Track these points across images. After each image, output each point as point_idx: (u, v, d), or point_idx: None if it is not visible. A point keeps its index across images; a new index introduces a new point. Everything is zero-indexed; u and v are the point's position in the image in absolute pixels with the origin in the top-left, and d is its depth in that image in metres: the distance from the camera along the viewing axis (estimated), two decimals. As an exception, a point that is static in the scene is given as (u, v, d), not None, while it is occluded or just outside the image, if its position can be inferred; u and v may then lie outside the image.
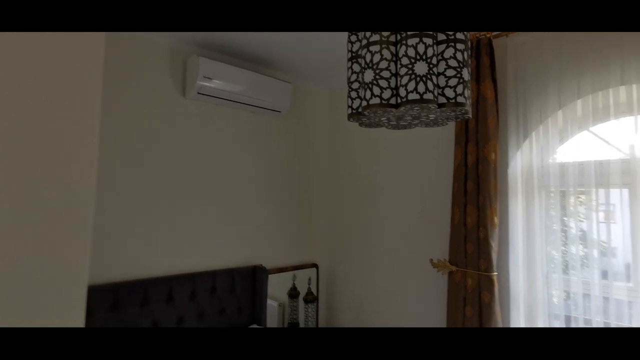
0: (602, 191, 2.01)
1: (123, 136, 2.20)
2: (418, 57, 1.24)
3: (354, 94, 1.43)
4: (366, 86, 1.31)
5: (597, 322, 1.97)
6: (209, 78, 2.36)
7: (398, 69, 1.28)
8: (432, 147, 2.60)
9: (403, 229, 2.74)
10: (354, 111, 1.42)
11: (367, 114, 1.37)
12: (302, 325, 2.91)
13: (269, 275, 2.65)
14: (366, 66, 1.32)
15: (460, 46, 1.29)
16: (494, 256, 2.08)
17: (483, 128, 2.14)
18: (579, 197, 2.13)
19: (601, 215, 2.05)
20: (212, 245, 2.54)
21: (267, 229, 2.84)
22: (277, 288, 2.78)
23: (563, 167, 2.08)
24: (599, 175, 1.96)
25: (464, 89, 1.28)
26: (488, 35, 2.18)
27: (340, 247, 3.18)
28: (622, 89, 1.89)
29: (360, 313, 2.97)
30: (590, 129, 2.07)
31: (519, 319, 2.15)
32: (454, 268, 2.23)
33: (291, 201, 3.03)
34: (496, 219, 2.11)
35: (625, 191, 1.93)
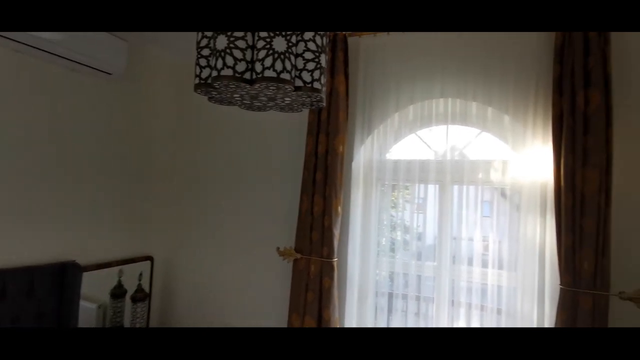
0: (421, 186, 2.37)
1: None
2: (277, 32, 1.14)
3: (203, 62, 1.23)
4: (218, 54, 1.13)
5: (411, 295, 2.32)
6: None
7: (255, 41, 1.15)
8: (285, 134, 2.58)
9: (251, 217, 2.65)
10: (202, 81, 1.22)
11: (217, 86, 1.19)
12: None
13: (85, 273, 2.17)
14: (220, 31, 1.14)
15: (320, 31, 1.24)
16: (336, 243, 2.20)
17: (334, 120, 2.23)
18: (406, 190, 2.46)
19: (419, 207, 2.42)
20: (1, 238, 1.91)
21: (86, 217, 2.31)
22: (96, 287, 2.31)
23: (395, 163, 2.35)
24: (421, 172, 2.28)
25: (320, 75, 1.24)
26: (343, 32, 2.27)
27: (181, 237, 2.88)
28: (441, 101, 2.23)
29: (203, 309, 2.76)
30: (417, 132, 2.41)
31: (353, 299, 2.34)
32: (298, 255, 2.27)
33: (122, 184, 2.55)
34: (340, 208, 2.23)
35: (437, 187, 2.30)
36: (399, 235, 2.43)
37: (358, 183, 2.35)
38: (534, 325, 1.90)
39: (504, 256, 2.09)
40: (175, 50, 2.80)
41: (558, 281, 1.77)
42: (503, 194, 2.18)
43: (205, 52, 1.22)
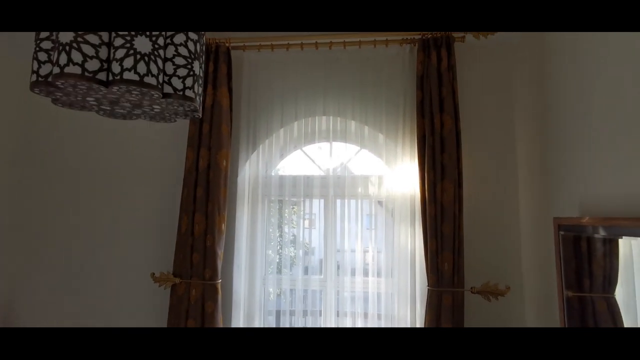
0: (307, 201, 2.41)
1: None
2: (140, 32, 1.02)
3: (43, 56, 1.02)
4: (62, 48, 0.95)
5: (299, 310, 2.30)
6: None
7: (112, 39, 1.01)
8: (162, 148, 2.35)
9: (119, 241, 2.32)
10: (40, 79, 1.01)
11: (61, 86, 1.00)
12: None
13: None
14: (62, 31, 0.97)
15: (192, 36, 1.16)
16: (219, 263, 2.07)
17: (217, 134, 2.12)
18: (293, 207, 2.47)
19: (307, 222, 2.46)
20: None
21: None
22: None
23: (282, 179, 2.35)
24: (306, 187, 2.32)
25: (194, 83, 1.15)
26: (227, 44, 2.20)
27: (23, 271, 2.35)
28: (324, 119, 2.33)
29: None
30: (302, 148, 2.47)
31: (238, 321, 2.21)
32: (177, 280, 2.05)
33: None
34: (224, 226, 2.11)
35: (322, 201, 2.38)
36: (286, 250, 2.41)
37: (243, 199, 2.27)
38: (407, 323, 2.07)
39: (382, 264, 2.24)
40: (9, 40, 2.32)
41: (426, 283, 1.97)
42: (380, 206, 2.36)
43: (47, 44, 1.02)
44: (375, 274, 2.23)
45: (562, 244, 1.55)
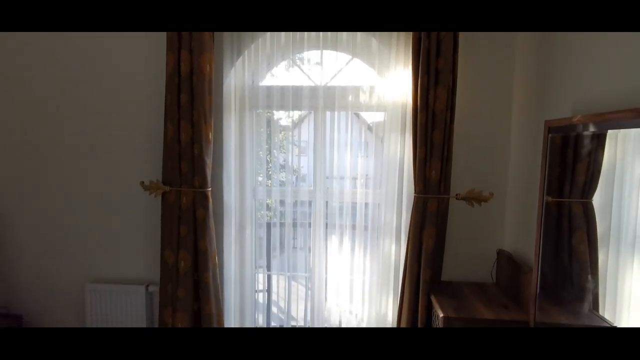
0: (296, 112, 2.35)
1: None
2: None
3: None
4: None
5: (289, 223, 2.37)
6: None
7: None
8: (142, 54, 2.20)
9: (106, 151, 2.27)
10: None
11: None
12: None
13: None
14: None
15: None
16: (208, 172, 2.06)
17: (197, 36, 1.96)
18: (280, 117, 2.42)
19: (291, 134, 2.42)
20: None
21: None
22: None
23: (269, 90, 2.25)
24: (295, 99, 2.24)
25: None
26: None
27: (17, 187, 2.33)
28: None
29: (64, 260, 2.35)
30: (291, 57, 2.33)
31: (230, 230, 2.28)
32: (167, 188, 2.06)
33: None
34: (211, 135, 2.06)
35: (312, 113, 2.31)
36: (275, 162, 2.41)
37: (230, 108, 2.19)
38: (393, 230, 2.16)
39: (370, 175, 2.27)
40: None
41: (413, 190, 2.01)
42: (371, 117, 2.32)
43: None
44: (364, 185, 2.26)
45: (549, 146, 1.56)
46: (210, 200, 2.08)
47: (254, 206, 2.36)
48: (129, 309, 2.26)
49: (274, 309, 2.66)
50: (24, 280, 2.39)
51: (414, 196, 1.99)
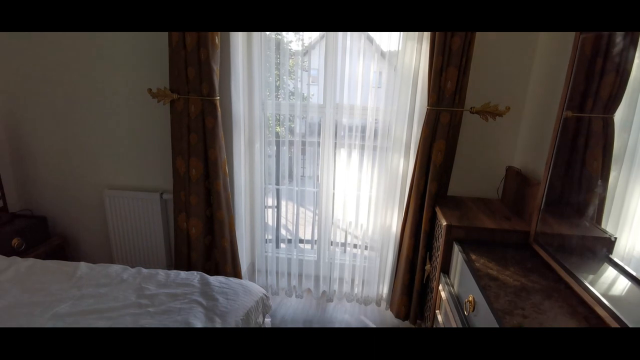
0: (307, 57, 2.20)
1: None
2: None
3: None
4: None
5: (297, 141, 2.36)
6: None
7: None
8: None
9: (110, 62, 2.21)
10: None
11: None
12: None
13: None
14: None
15: None
16: (216, 80, 2.01)
17: None
18: (290, 42, 2.27)
19: (307, 76, 2.30)
20: None
21: None
22: None
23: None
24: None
25: None
26: None
27: (25, 98, 2.31)
28: None
29: (74, 173, 2.43)
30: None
31: (240, 142, 2.30)
32: (175, 96, 2.03)
33: None
34: (217, 40, 1.97)
35: (323, 44, 2.15)
36: (285, 88, 2.33)
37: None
38: (402, 145, 2.15)
39: (383, 86, 2.19)
40: None
41: (426, 103, 1.95)
42: (385, 42, 2.16)
43: None
44: (375, 100, 2.19)
45: (578, 55, 1.45)
46: (219, 109, 2.06)
47: (263, 121, 2.33)
48: (146, 214, 2.38)
49: (283, 232, 2.77)
50: (46, 185, 2.51)
51: (427, 109, 1.93)
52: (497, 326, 1.10)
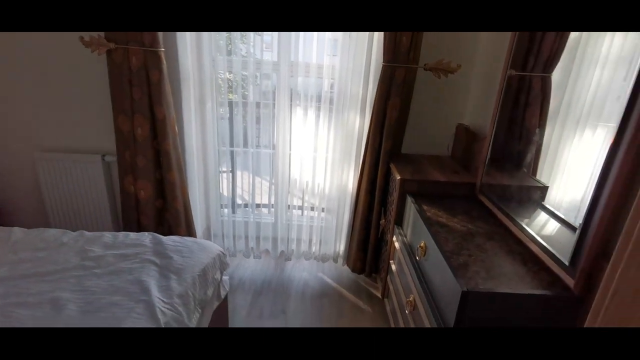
0: None
1: None
2: None
3: None
4: None
5: (251, 102, 2.27)
6: None
7: None
8: None
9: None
10: None
11: None
12: None
13: None
14: None
15: None
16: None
17: None
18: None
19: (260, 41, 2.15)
20: None
21: None
22: None
23: None
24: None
25: None
26: None
27: None
28: None
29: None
30: None
31: (190, 99, 2.16)
32: (112, 45, 1.84)
33: None
34: (159, -17, 1.78)
35: None
36: (238, 53, 2.19)
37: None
38: (358, 103, 2.15)
39: (339, 44, 2.14)
40: None
41: (382, 60, 1.94)
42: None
43: None
44: (331, 57, 2.15)
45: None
46: (164, 62, 1.91)
47: (214, 79, 2.20)
48: (86, 177, 2.21)
49: (239, 196, 2.71)
50: (-37, 149, 2.22)
51: (382, 65, 1.93)
52: (445, 265, 1.17)
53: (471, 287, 1.06)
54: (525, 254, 1.27)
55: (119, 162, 2.06)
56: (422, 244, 1.43)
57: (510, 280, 1.11)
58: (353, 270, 2.35)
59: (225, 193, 2.49)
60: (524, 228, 1.34)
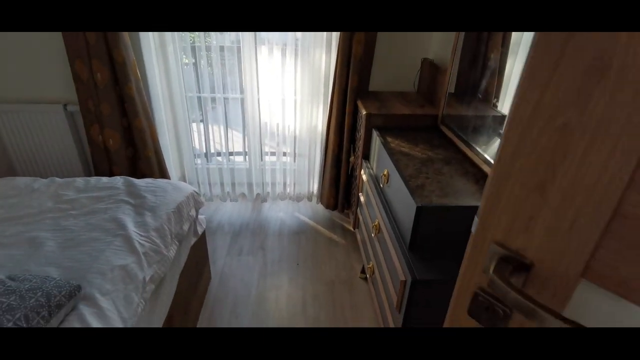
0: None
1: None
2: None
3: None
4: None
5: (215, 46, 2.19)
6: None
7: None
8: None
9: None
10: None
11: None
12: None
13: None
14: None
15: None
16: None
17: None
18: None
19: None
20: None
21: None
22: None
23: None
24: None
25: None
26: None
27: None
28: None
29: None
30: None
31: (149, 42, 2.08)
32: None
33: None
34: None
35: None
36: None
37: None
38: (324, 40, 2.12)
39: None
40: None
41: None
42: None
43: None
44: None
45: None
46: None
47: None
48: (49, 128, 2.15)
49: (212, 150, 2.69)
50: None
51: None
52: (404, 187, 1.27)
53: (425, 203, 1.16)
54: (479, 174, 1.38)
55: (82, 111, 2.01)
56: (385, 172, 1.52)
57: (461, 196, 1.22)
58: (327, 207, 2.46)
59: (197, 145, 2.47)
60: (479, 152, 1.44)
